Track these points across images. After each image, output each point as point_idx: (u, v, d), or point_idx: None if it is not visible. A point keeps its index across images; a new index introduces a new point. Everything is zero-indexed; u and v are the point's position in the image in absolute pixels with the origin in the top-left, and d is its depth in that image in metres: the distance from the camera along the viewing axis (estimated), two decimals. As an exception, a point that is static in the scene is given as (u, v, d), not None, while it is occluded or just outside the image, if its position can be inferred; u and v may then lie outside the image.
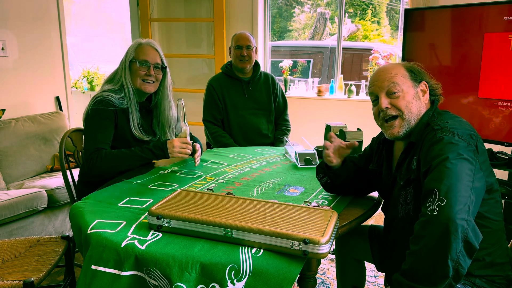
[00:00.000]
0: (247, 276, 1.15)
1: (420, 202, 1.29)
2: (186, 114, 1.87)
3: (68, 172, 2.19)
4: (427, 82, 1.45)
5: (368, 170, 1.64)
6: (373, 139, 1.69)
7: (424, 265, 1.12)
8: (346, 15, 5.70)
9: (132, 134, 1.98)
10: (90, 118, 1.90)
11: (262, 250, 1.21)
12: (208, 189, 1.68)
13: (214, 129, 2.77)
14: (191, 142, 1.90)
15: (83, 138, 1.95)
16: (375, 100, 1.46)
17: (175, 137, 1.97)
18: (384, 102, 1.41)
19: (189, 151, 1.87)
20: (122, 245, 1.23)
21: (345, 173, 1.60)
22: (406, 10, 2.82)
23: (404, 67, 1.45)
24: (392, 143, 1.54)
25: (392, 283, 1.20)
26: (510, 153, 2.41)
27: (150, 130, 2.08)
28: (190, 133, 1.94)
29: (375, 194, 1.72)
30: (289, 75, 4.37)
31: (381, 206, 1.62)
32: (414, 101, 1.41)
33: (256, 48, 2.81)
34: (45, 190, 2.72)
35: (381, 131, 1.54)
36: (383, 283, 2.36)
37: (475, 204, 1.18)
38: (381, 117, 1.44)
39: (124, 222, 1.38)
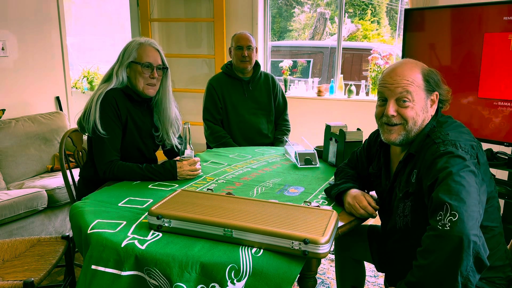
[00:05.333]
0: (247, 276, 1.15)
1: (418, 216, 1.29)
2: (191, 138, 1.91)
3: (68, 172, 2.19)
4: (439, 93, 1.37)
5: (367, 173, 1.63)
6: (370, 134, 1.64)
7: (432, 280, 1.10)
8: (346, 15, 5.70)
9: (139, 131, 1.98)
10: (98, 123, 1.84)
11: (262, 250, 1.21)
12: (208, 189, 1.68)
13: (215, 128, 2.77)
14: (200, 167, 1.93)
15: (93, 145, 1.88)
16: (383, 102, 1.38)
17: (180, 151, 1.96)
18: (392, 109, 1.34)
19: (197, 174, 1.91)
20: (122, 245, 1.23)
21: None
22: (406, 10, 2.82)
23: (422, 74, 1.35)
24: (389, 147, 1.51)
25: None
26: (510, 153, 2.41)
27: (150, 125, 2.06)
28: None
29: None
30: (289, 75, 4.37)
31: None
32: (421, 114, 1.35)
33: (256, 48, 2.82)
34: (45, 190, 2.72)
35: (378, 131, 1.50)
36: (383, 283, 2.36)
37: (481, 217, 1.17)
38: (384, 120, 1.38)
39: (124, 222, 1.38)
